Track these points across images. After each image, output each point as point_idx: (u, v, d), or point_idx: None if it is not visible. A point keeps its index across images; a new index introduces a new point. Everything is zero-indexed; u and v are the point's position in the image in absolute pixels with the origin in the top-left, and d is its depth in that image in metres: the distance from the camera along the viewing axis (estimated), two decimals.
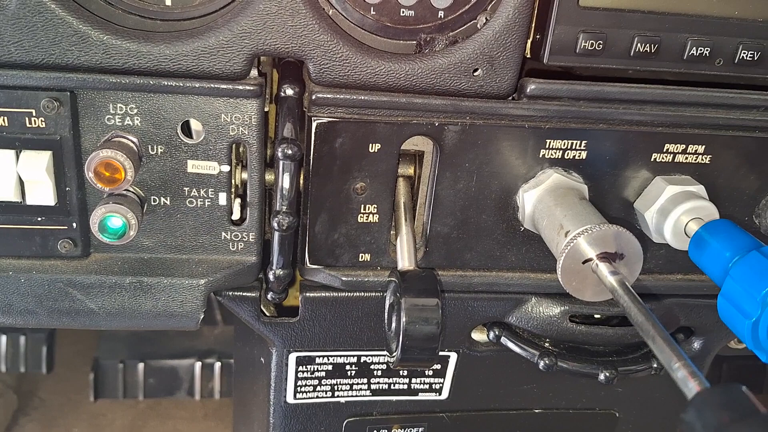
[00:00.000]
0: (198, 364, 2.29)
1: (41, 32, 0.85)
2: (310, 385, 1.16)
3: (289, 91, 0.93)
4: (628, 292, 0.79)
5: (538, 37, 0.91)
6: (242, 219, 1.01)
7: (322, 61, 0.90)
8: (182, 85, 0.89)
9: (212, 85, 0.90)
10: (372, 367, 1.17)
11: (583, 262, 0.84)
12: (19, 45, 0.85)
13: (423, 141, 0.98)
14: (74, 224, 0.96)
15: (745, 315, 0.82)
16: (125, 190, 0.93)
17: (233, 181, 0.98)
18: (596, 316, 1.13)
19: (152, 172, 0.95)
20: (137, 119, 0.92)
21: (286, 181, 0.92)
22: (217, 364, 2.30)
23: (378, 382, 1.18)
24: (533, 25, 0.92)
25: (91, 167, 0.86)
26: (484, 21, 0.92)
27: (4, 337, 2.19)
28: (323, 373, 1.16)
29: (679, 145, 0.99)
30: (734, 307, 0.84)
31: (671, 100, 0.96)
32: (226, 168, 0.96)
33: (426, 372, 1.18)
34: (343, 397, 1.19)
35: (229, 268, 1.02)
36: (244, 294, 1.07)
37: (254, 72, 0.92)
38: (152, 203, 0.97)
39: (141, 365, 2.27)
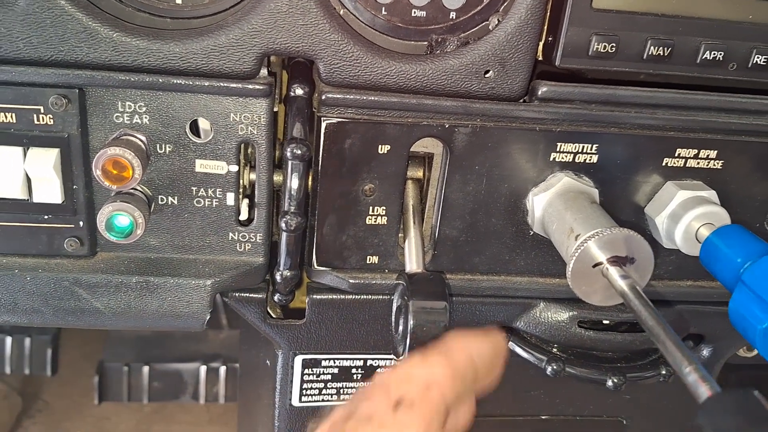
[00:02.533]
0: (203, 368, 2.30)
1: (50, 29, 0.85)
2: (316, 388, 1.16)
3: (299, 91, 0.93)
4: (639, 297, 0.78)
5: (550, 39, 0.91)
6: (250, 219, 1.00)
7: (332, 60, 0.89)
8: (191, 83, 0.89)
9: (221, 84, 0.90)
10: (379, 370, 1.16)
11: (594, 266, 0.84)
12: (27, 41, 0.85)
13: (433, 143, 0.97)
14: (81, 223, 0.96)
15: (757, 320, 0.81)
16: (133, 188, 0.93)
17: (241, 181, 0.98)
18: (605, 321, 1.12)
19: (160, 171, 0.95)
20: (146, 117, 0.91)
21: (294, 182, 0.92)
22: (222, 369, 2.30)
23: None
24: (545, 27, 0.91)
25: (99, 165, 0.86)
26: (496, 22, 0.92)
27: (9, 339, 2.19)
28: (329, 376, 1.15)
29: (691, 149, 0.99)
30: (746, 312, 0.83)
31: (684, 105, 0.96)
32: (234, 168, 0.96)
33: None
34: None
35: (236, 268, 1.01)
36: (250, 295, 1.06)
37: (264, 71, 0.92)
38: (160, 202, 0.97)
39: (146, 368, 2.27)
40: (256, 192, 0.98)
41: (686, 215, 0.96)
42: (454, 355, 0.72)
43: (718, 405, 0.61)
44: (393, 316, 0.94)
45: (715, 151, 0.99)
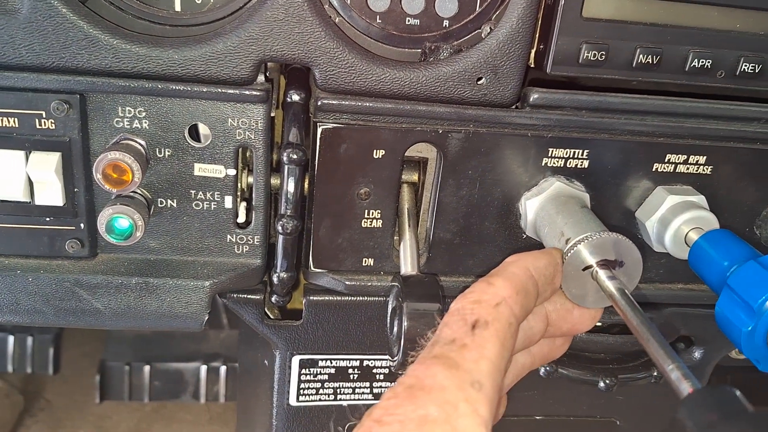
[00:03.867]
0: (203, 368, 2.30)
1: (52, 36, 0.86)
2: (313, 388, 1.17)
3: (295, 97, 0.95)
4: (627, 299, 0.79)
5: (541, 47, 0.92)
6: (247, 222, 1.02)
7: (327, 67, 0.91)
8: (190, 89, 0.90)
9: (219, 90, 0.91)
10: (374, 371, 1.17)
11: (584, 269, 0.85)
12: (30, 48, 0.87)
13: (427, 148, 0.99)
14: (82, 225, 0.97)
15: (742, 323, 0.82)
16: (132, 191, 0.94)
17: (239, 184, 0.99)
18: (597, 323, 1.14)
19: (159, 174, 0.96)
20: (145, 122, 0.93)
21: (290, 186, 0.93)
22: (223, 368, 2.30)
23: (380, 386, 1.19)
24: (537, 35, 0.93)
25: (99, 169, 0.88)
26: (489, 30, 0.93)
27: (11, 338, 2.19)
28: (326, 376, 1.17)
29: (680, 155, 1.00)
30: (731, 315, 0.84)
31: (673, 111, 0.97)
32: (232, 172, 0.97)
33: None
34: (346, 400, 1.20)
35: (234, 270, 1.03)
36: (248, 296, 1.08)
37: (261, 78, 0.93)
38: (159, 205, 0.98)
39: (147, 368, 2.28)
40: (253, 195, 1.00)
41: (675, 219, 0.97)
42: (514, 273, 0.79)
43: (698, 400, 0.63)
44: (388, 318, 0.95)
45: (704, 157, 1.01)
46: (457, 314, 0.74)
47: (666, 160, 1.00)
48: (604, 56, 0.91)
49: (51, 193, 0.94)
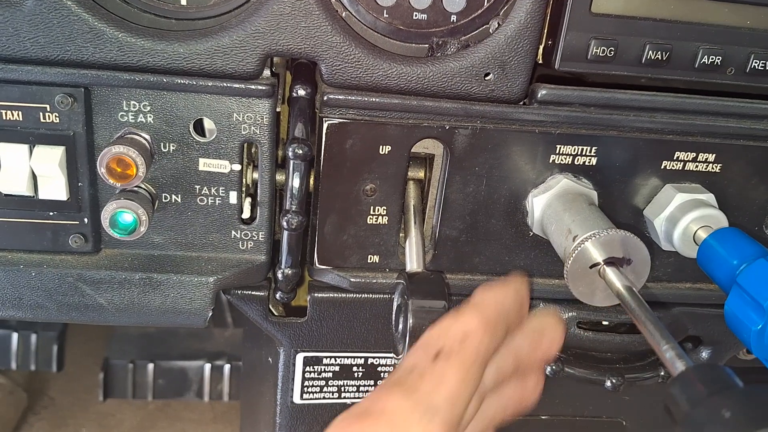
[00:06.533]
0: (207, 366, 2.30)
1: (57, 29, 0.86)
2: (317, 386, 1.17)
3: (301, 92, 0.94)
4: (635, 297, 0.79)
5: (549, 42, 0.92)
6: (252, 218, 1.01)
7: (334, 62, 0.90)
8: (195, 83, 0.90)
9: (225, 84, 0.90)
10: (379, 368, 1.17)
11: (591, 267, 0.85)
12: (35, 41, 0.86)
13: (433, 144, 0.98)
14: (86, 219, 0.97)
15: (752, 322, 0.82)
16: (137, 186, 0.94)
17: (244, 180, 0.99)
18: (604, 322, 1.13)
19: (164, 169, 0.96)
20: (150, 116, 0.92)
21: (296, 181, 0.93)
22: (227, 367, 2.30)
23: None
24: (545, 30, 0.92)
25: (104, 163, 0.87)
26: (497, 26, 0.92)
27: (15, 335, 2.20)
28: (330, 374, 1.16)
29: (689, 153, 1.00)
30: (740, 314, 0.84)
31: (682, 108, 0.96)
32: (237, 167, 0.97)
33: None
34: (350, 398, 1.19)
35: (238, 266, 1.02)
36: (252, 293, 1.07)
37: (267, 72, 0.92)
38: (163, 200, 0.98)
39: (151, 366, 2.28)
40: (258, 191, 0.99)
41: (684, 218, 0.97)
42: (485, 308, 0.78)
43: (691, 377, 0.67)
44: (393, 315, 0.95)
45: (714, 155, 1.00)
46: (421, 344, 0.75)
47: (675, 158, 1.00)
48: (612, 52, 0.90)
49: (55, 187, 0.93)
